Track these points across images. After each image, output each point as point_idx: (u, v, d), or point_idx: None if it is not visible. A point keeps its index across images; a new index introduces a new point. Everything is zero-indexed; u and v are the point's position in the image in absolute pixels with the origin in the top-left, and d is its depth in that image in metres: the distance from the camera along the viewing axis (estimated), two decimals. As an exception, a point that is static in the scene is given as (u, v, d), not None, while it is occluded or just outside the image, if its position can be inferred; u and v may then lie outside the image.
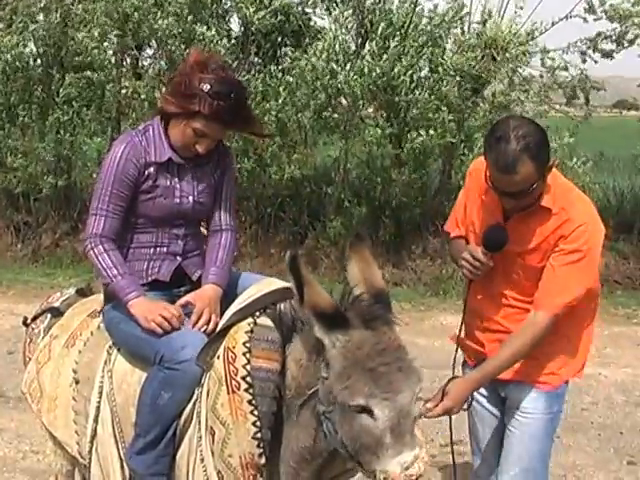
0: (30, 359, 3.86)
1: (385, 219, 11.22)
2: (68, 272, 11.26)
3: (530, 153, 3.23)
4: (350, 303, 2.96)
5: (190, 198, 3.41)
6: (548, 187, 3.40)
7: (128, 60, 12.07)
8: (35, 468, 5.37)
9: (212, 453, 3.10)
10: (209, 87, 3.22)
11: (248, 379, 3.03)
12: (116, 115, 12.06)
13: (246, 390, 3.02)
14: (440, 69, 10.74)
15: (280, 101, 10.72)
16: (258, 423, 3.01)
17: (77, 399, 3.53)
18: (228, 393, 3.05)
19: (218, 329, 3.20)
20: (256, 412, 3.01)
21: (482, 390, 3.66)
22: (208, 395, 3.12)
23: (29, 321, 3.96)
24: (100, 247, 3.30)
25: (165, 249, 3.44)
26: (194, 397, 3.19)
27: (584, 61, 12.27)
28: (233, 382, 3.04)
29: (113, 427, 3.39)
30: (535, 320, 3.38)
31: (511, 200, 3.37)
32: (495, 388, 3.66)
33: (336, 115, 11.04)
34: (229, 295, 3.40)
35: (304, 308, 2.86)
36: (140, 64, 12.24)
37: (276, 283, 3.30)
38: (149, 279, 3.42)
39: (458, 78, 10.88)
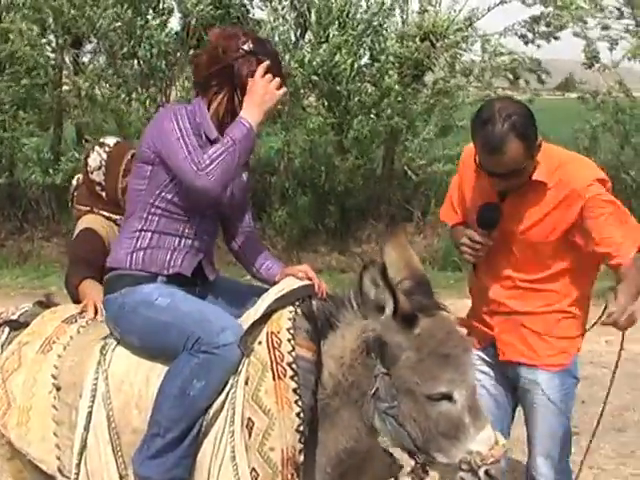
0: None
1: (330, 206, 11.34)
2: (15, 272, 11.19)
3: (516, 132, 3.23)
4: (406, 294, 2.89)
5: (229, 188, 3.18)
6: (537, 162, 3.37)
7: (67, 58, 11.98)
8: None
9: (247, 449, 2.88)
10: (250, 46, 3.13)
11: (294, 366, 2.87)
12: (57, 114, 12.01)
13: (292, 378, 2.87)
14: (382, 57, 10.86)
15: (221, 93, 10.74)
16: (302, 415, 2.85)
17: (59, 407, 3.18)
18: (274, 379, 2.88)
19: (260, 314, 3.00)
20: (300, 403, 2.85)
21: (484, 368, 3.64)
22: (247, 382, 2.92)
23: None
24: (207, 161, 2.96)
25: (190, 242, 3.18)
26: (227, 387, 2.96)
27: (526, 43, 12.53)
28: (279, 368, 2.88)
29: (110, 434, 3.07)
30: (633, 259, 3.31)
31: (502, 181, 3.35)
32: (500, 368, 3.65)
33: (278, 105, 11.10)
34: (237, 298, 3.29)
35: (396, 317, 2.79)
36: (80, 60, 12.17)
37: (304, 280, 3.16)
38: (170, 271, 3.16)
39: (398, 65, 11.03)
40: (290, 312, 2.98)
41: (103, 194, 4.06)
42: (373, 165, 11.74)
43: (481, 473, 2.72)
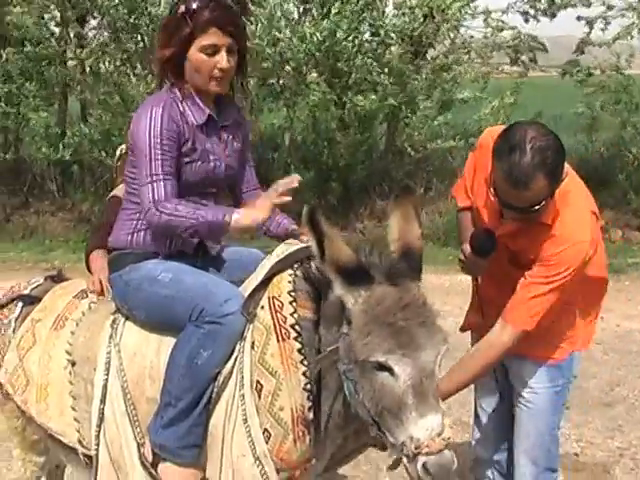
0: None
1: (332, 182, 11.41)
2: (19, 246, 11.30)
3: (546, 170, 2.97)
4: (378, 259, 2.82)
5: (222, 161, 3.25)
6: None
7: (72, 33, 12.05)
8: None
9: (257, 411, 2.94)
10: (184, 7, 3.14)
11: (297, 327, 2.92)
12: (62, 89, 12.09)
13: (295, 339, 2.91)
14: (381, 32, 10.89)
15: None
16: (308, 374, 2.90)
17: (75, 382, 3.26)
18: (278, 341, 2.92)
19: (260, 279, 3.05)
20: (305, 362, 2.90)
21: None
22: (253, 347, 2.98)
23: None
24: (169, 205, 3.02)
25: None
26: (235, 353, 3.02)
27: (526, 21, 12.59)
28: (283, 330, 2.92)
29: (125, 405, 3.15)
30: (501, 339, 3.23)
31: (514, 214, 3.15)
32: (501, 369, 3.55)
33: (281, 81, 11.18)
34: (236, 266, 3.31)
35: (325, 264, 2.73)
36: (85, 35, 12.23)
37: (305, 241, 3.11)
38: (172, 249, 3.22)
39: (399, 41, 11.08)
40: (290, 275, 3.01)
41: None
42: (375, 141, 11.79)
43: (419, 464, 2.58)
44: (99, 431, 3.19)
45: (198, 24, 3.12)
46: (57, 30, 12.05)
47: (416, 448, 2.57)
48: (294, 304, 2.96)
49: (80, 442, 3.26)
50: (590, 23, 12.19)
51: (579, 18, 12.14)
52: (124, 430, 3.15)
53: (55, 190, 12.15)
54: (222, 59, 3.14)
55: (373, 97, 10.58)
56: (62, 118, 12.24)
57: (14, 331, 3.56)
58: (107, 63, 11.71)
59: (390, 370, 2.62)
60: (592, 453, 5.24)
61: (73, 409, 3.27)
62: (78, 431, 3.26)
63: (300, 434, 2.93)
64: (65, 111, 12.43)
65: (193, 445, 3.03)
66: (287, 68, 11.10)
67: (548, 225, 3.18)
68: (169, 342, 3.12)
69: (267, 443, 2.93)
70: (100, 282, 3.51)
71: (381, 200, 11.37)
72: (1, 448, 5.15)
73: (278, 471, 2.95)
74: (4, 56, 11.35)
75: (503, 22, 11.74)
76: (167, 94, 3.19)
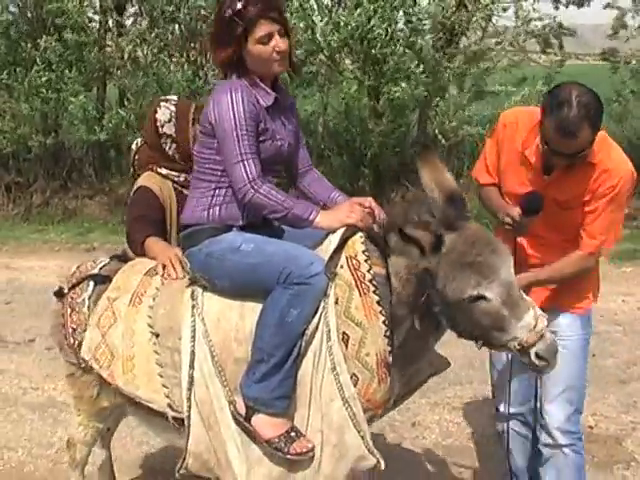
0: (74, 329, 3.79)
1: (365, 168, 11.61)
2: (59, 228, 11.66)
3: (590, 121, 3.44)
4: (430, 215, 3.22)
5: (286, 140, 3.54)
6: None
7: (110, 22, 12.33)
8: (35, 402, 5.82)
9: (345, 359, 3.28)
10: (230, 10, 3.38)
11: (374, 282, 3.29)
12: (101, 74, 12.36)
13: (374, 292, 3.29)
14: (414, 19, 11.03)
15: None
16: (387, 322, 3.28)
17: (160, 352, 3.52)
18: (360, 295, 3.29)
19: (336, 243, 3.35)
20: (384, 312, 3.28)
21: None
22: (337, 302, 3.31)
23: (66, 291, 3.87)
24: (264, 187, 3.35)
25: None
26: (319, 309, 3.30)
27: (556, 8, 12.69)
28: (363, 285, 3.29)
29: (215, 367, 3.40)
30: (581, 255, 3.71)
31: (566, 160, 3.58)
32: None
33: (314, 68, 11.35)
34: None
35: (428, 255, 3.17)
36: (123, 23, 12.50)
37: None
38: (245, 221, 3.49)
39: (432, 29, 11.20)
40: (360, 237, 3.37)
41: (173, 146, 4.17)
42: (407, 129, 11.93)
43: (532, 355, 3.14)
44: (190, 394, 3.43)
45: (248, 21, 3.38)
46: (97, 18, 12.35)
47: (521, 345, 3.14)
48: (368, 262, 3.32)
49: (170, 406, 3.49)
50: (621, 15, 12.26)
51: (607, 6, 12.23)
52: (215, 390, 3.40)
53: (93, 174, 12.45)
54: (278, 42, 3.43)
55: (404, 85, 10.70)
56: (100, 103, 12.50)
57: (88, 309, 3.77)
58: (145, 51, 11.95)
59: (483, 297, 3.11)
60: (606, 427, 5.42)
61: (160, 376, 3.51)
62: (167, 396, 3.50)
63: (383, 376, 3.32)
64: (104, 96, 12.69)
65: (284, 396, 3.31)
66: (321, 56, 11.28)
67: (595, 164, 3.62)
68: (252, 306, 3.40)
69: (355, 386, 3.29)
70: (172, 264, 3.68)
71: (413, 187, 11.53)
72: (46, 414, 5.49)
73: (365, 411, 3.32)
74: (43, 45, 11.65)
75: (535, 10, 11.82)
76: (238, 80, 3.45)
